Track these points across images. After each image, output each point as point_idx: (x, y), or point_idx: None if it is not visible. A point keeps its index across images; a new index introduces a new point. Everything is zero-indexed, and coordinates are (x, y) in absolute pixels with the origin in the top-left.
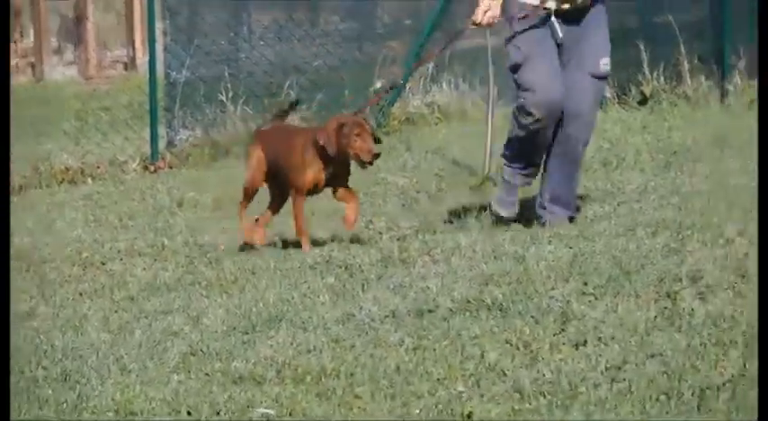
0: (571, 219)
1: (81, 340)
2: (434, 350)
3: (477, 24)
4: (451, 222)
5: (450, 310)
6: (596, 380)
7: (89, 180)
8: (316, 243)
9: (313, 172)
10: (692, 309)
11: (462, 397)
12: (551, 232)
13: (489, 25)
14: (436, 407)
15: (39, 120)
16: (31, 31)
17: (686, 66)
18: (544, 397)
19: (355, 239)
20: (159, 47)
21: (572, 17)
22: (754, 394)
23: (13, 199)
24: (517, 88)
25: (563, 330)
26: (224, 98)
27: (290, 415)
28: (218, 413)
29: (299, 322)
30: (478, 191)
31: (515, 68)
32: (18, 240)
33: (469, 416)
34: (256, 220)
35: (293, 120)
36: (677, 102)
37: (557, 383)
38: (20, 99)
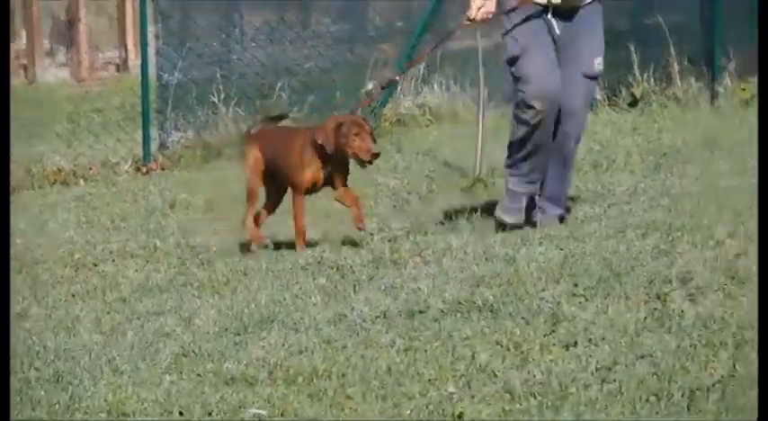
0: (562, 219)
1: (73, 341)
2: (425, 351)
3: (471, 20)
4: (443, 224)
5: (442, 311)
6: (586, 381)
7: (81, 181)
8: (308, 244)
9: (312, 171)
10: (682, 311)
11: (453, 397)
12: (542, 233)
13: (483, 21)
14: (427, 407)
15: (31, 122)
16: (24, 34)
17: (676, 67)
18: (534, 397)
19: (347, 240)
20: (151, 49)
21: (568, 14)
22: (743, 395)
23: None
24: (515, 82)
25: (553, 331)
26: (216, 100)
27: (282, 415)
28: (210, 414)
29: (291, 323)
30: (469, 192)
31: (513, 61)
32: (11, 241)
33: (460, 416)
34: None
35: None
36: (667, 103)
37: (547, 384)
38: (12, 101)
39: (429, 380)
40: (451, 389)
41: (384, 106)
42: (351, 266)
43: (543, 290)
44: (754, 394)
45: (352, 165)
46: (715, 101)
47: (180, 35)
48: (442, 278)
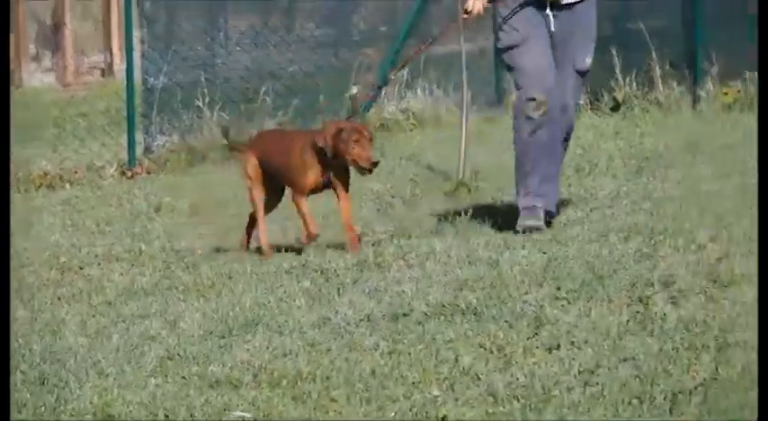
0: (550, 221)
1: (59, 344)
2: (409, 354)
3: (468, 13)
4: (426, 227)
5: (425, 315)
6: (569, 384)
7: (67, 185)
8: (291, 248)
9: (313, 173)
10: (664, 314)
11: (437, 400)
12: (525, 237)
13: (479, 13)
14: (411, 410)
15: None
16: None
17: (658, 72)
18: (518, 400)
19: (331, 244)
20: (136, 53)
21: (565, 8)
22: (725, 398)
23: None
24: (509, 70)
25: (536, 334)
26: (201, 104)
27: (267, 418)
28: (194, 416)
29: (276, 326)
30: (453, 196)
31: (508, 50)
32: None
33: (444, 419)
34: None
35: (269, 124)
36: (649, 108)
37: (530, 387)
38: None
39: (413, 382)
40: (435, 392)
41: (368, 111)
42: (335, 269)
43: (526, 293)
44: (736, 397)
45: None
46: (697, 105)
47: (165, 39)
48: (425, 281)
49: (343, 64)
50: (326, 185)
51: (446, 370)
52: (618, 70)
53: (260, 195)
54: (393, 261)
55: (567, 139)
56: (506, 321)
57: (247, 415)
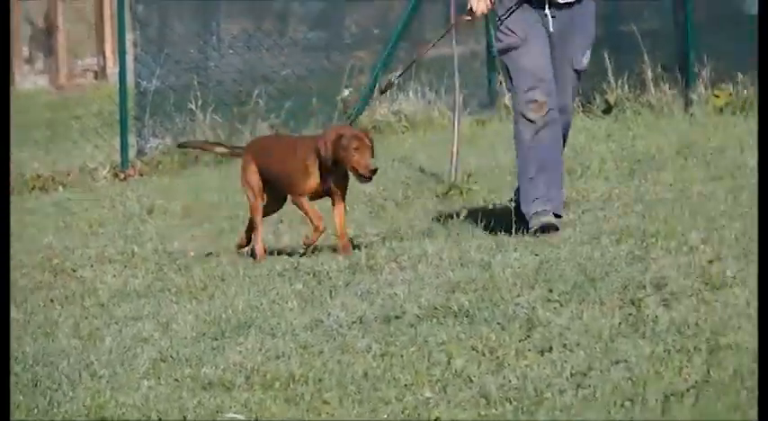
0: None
1: (52, 346)
2: (402, 356)
3: (472, 13)
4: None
5: (417, 317)
6: (561, 386)
7: (60, 187)
8: (282, 251)
9: (314, 178)
10: (656, 316)
11: (429, 403)
12: (517, 239)
13: (484, 13)
14: (403, 412)
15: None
16: None
17: (650, 74)
18: (510, 403)
19: (323, 246)
20: (129, 56)
21: (564, 7)
22: (717, 400)
23: None
24: (508, 72)
25: (528, 337)
26: (193, 107)
27: (259, 420)
28: (187, 418)
29: (268, 328)
30: (445, 198)
31: (507, 52)
32: None
33: None
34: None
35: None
36: (641, 110)
37: (522, 389)
38: None
39: (405, 385)
40: (427, 394)
41: (360, 113)
42: (327, 272)
43: (518, 295)
44: (728, 399)
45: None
46: (689, 108)
47: (158, 42)
48: (417, 284)
49: (335, 67)
50: (327, 192)
51: (438, 372)
52: (610, 73)
53: (258, 202)
54: (385, 263)
55: (563, 140)
56: (498, 323)
57: (240, 416)
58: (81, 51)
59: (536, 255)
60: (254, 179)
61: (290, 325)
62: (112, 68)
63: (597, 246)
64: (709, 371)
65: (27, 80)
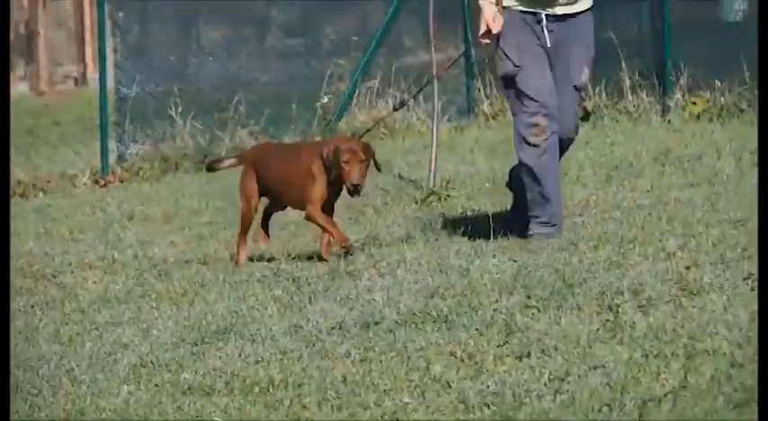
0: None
1: (32, 351)
2: (381, 361)
3: (490, 33)
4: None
5: (396, 322)
6: (540, 392)
7: (40, 194)
8: (262, 257)
9: (322, 185)
10: (634, 322)
11: (408, 408)
12: (495, 245)
13: (499, 32)
14: (382, 417)
15: None
16: None
17: (627, 82)
18: (488, 408)
19: (303, 253)
20: (110, 63)
21: (561, 20)
22: (694, 405)
23: None
24: (509, 98)
25: (507, 342)
26: (173, 113)
27: None
28: None
29: (248, 334)
30: (424, 205)
31: (506, 77)
32: None
33: None
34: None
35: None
36: (619, 117)
37: (501, 394)
38: None
39: (384, 390)
40: (406, 400)
41: (339, 120)
42: (306, 278)
43: (497, 301)
44: (705, 404)
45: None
46: (666, 115)
47: (138, 49)
48: (396, 289)
49: (314, 74)
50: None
51: (417, 377)
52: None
53: (250, 209)
54: (364, 269)
55: (562, 153)
56: (477, 329)
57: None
58: (61, 58)
59: (514, 261)
60: (251, 186)
61: (269, 330)
62: (93, 75)
63: (575, 252)
64: (686, 377)
65: None
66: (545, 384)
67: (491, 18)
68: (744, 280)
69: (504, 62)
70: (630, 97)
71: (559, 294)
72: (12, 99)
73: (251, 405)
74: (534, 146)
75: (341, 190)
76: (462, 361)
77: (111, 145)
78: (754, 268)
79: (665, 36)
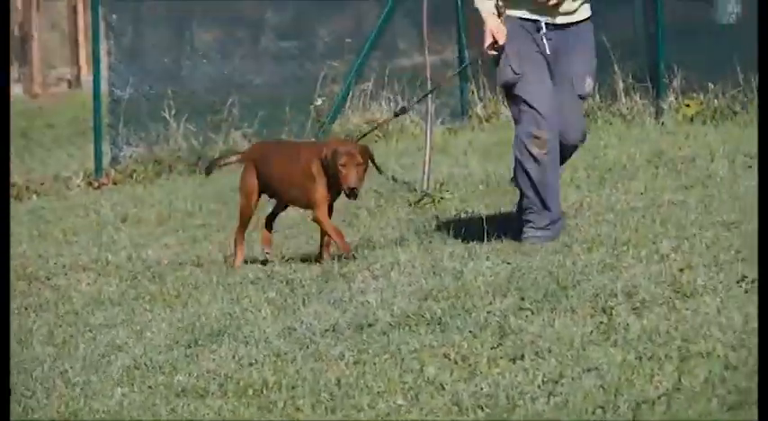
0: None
1: (26, 353)
2: (374, 364)
3: (497, 45)
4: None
5: (390, 325)
6: (534, 394)
7: (34, 196)
8: (255, 259)
9: (324, 185)
10: (628, 324)
11: (401, 410)
12: (489, 248)
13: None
14: (376, 419)
15: None
16: None
17: (621, 84)
18: (482, 410)
19: (296, 255)
20: (103, 65)
21: (560, 28)
22: (688, 407)
23: None
24: (511, 106)
25: (501, 344)
26: (167, 115)
27: None
28: None
29: (241, 336)
30: (417, 207)
31: (506, 86)
32: None
33: None
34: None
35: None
36: (612, 120)
37: (495, 397)
38: None
39: (378, 392)
40: (400, 402)
41: (333, 122)
42: (300, 280)
43: (490, 303)
44: (699, 407)
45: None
46: (660, 117)
47: (131, 51)
48: (390, 291)
49: (308, 76)
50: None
51: (411, 379)
52: None
53: (249, 206)
54: (358, 271)
55: (565, 160)
56: (471, 331)
57: None
58: (55, 60)
59: (508, 263)
60: (251, 182)
61: (263, 332)
62: (86, 77)
63: (569, 254)
64: (680, 379)
65: None
66: (539, 386)
67: (496, 29)
68: (737, 282)
69: (504, 70)
70: (624, 99)
71: (553, 296)
72: None
73: (245, 407)
74: (535, 157)
75: (339, 192)
76: (456, 363)
77: (105, 147)
78: (747, 270)
79: (658, 38)
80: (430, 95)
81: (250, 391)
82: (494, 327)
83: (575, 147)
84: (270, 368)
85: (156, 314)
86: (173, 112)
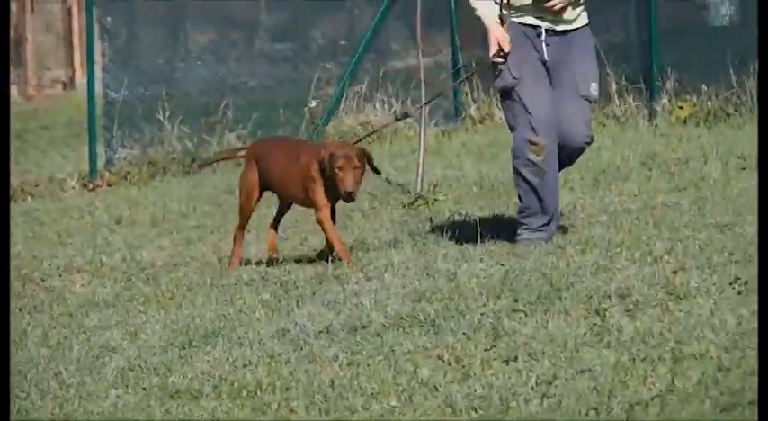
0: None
1: (20, 355)
2: (368, 365)
3: (503, 53)
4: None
5: (384, 326)
6: (527, 395)
7: (29, 198)
8: (249, 261)
9: (322, 186)
10: (621, 326)
11: (395, 411)
12: (483, 250)
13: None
14: None
15: None
16: None
17: (614, 86)
18: (476, 411)
19: (290, 256)
20: (98, 67)
21: (559, 34)
22: (681, 409)
23: None
24: (505, 111)
25: (494, 346)
26: (161, 117)
27: None
28: None
29: (235, 338)
30: (411, 209)
31: (504, 90)
32: None
33: None
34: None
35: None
36: (606, 122)
37: (488, 398)
38: None
39: (372, 393)
40: (394, 403)
41: (327, 124)
42: (294, 282)
43: (484, 305)
44: (692, 408)
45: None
46: (653, 119)
47: (126, 53)
48: (384, 293)
49: (302, 78)
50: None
51: (404, 381)
52: None
53: (248, 203)
54: (352, 273)
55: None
56: (464, 333)
57: None
58: (50, 62)
59: (501, 265)
60: (252, 178)
61: (257, 334)
62: (81, 79)
63: (562, 256)
64: (673, 381)
65: None
66: (532, 388)
67: (501, 37)
68: (730, 284)
69: (503, 74)
70: (617, 102)
71: (547, 298)
72: None
73: (239, 408)
74: (533, 163)
75: (338, 195)
76: (449, 364)
77: (100, 149)
78: (740, 272)
79: (651, 40)
80: (423, 97)
81: (244, 393)
82: (487, 329)
83: (581, 149)
84: (264, 369)
85: (150, 316)
86: (167, 114)
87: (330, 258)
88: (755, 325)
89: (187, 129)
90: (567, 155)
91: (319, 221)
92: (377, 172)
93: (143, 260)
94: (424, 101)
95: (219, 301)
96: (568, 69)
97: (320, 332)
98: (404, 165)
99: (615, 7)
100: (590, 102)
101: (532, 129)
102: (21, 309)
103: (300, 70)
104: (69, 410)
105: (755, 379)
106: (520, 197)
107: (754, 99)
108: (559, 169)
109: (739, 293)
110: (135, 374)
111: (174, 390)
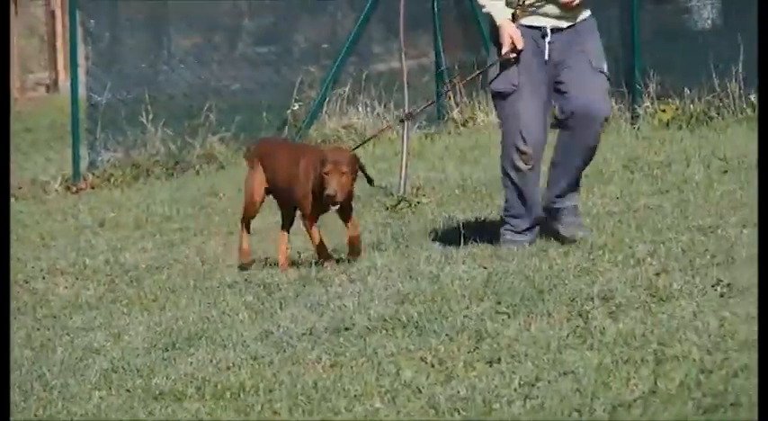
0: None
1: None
2: (351, 367)
3: (516, 50)
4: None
5: (367, 328)
6: (510, 397)
7: (12, 200)
8: (232, 264)
9: (312, 191)
10: (604, 328)
11: (379, 413)
12: (465, 252)
13: (500, 45)
14: None
15: None
16: None
17: None
18: (459, 413)
19: (273, 259)
20: (81, 70)
21: (563, 31)
22: (664, 410)
23: None
24: (498, 110)
25: (477, 348)
26: (145, 120)
27: None
28: None
29: (219, 339)
30: (394, 212)
31: (499, 95)
32: None
33: None
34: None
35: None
36: None
37: (471, 400)
38: None
39: (355, 395)
40: (377, 405)
41: (309, 127)
42: (277, 284)
43: (467, 307)
44: (675, 409)
45: None
46: (635, 122)
47: (109, 56)
48: (367, 295)
49: (285, 81)
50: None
51: (388, 383)
52: None
53: (252, 203)
54: (335, 275)
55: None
56: (447, 335)
57: None
58: (33, 65)
59: (484, 267)
60: (258, 178)
61: (240, 336)
62: (64, 82)
63: (545, 258)
64: (656, 382)
65: None
66: (515, 390)
67: (515, 34)
68: (713, 286)
69: (501, 78)
70: None
71: (529, 300)
72: None
73: (222, 410)
74: (519, 170)
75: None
76: (433, 366)
77: (83, 151)
78: (722, 274)
79: (634, 44)
80: (406, 100)
81: (227, 394)
82: (470, 331)
83: (602, 122)
84: (247, 371)
85: (133, 318)
86: (150, 117)
87: (315, 258)
88: (738, 327)
89: (170, 131)
90: (584, 138)
91: (304, 226)
92: (370, 181)
93: (126, 262)
94: (406, 105)
95: (203, 304)
96: (579, 47)
97: (303, 334)
98: (387, 167)
99: (598, 10)
100: (604, 75)
101: (521, 137)
102: None
103: (283, 73)
104: (53, 412)
105: (738, 380)
106: (506, 197)
107: (737, 102)
108: (581, 162)
109: (722, 295)
110: (118, 376)
111: (157, 392)
